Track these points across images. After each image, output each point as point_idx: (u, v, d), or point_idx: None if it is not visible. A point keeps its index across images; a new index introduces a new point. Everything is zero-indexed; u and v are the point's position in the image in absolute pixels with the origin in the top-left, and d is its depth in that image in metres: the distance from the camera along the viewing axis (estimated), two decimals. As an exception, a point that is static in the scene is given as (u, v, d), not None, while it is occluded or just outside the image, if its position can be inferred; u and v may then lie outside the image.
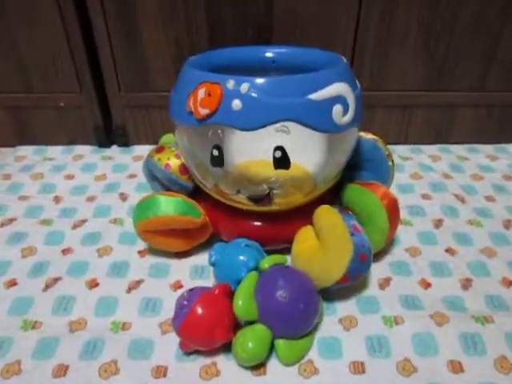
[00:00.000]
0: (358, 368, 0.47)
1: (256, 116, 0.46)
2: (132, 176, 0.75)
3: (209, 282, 0.56)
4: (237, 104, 0.46)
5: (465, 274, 0.57)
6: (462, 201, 0.70)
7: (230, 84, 0.46)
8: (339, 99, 0.48)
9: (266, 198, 0.53)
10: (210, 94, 0.46)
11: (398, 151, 0.81)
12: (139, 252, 0.60)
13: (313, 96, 0.47)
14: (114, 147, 0.83)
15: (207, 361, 0.47)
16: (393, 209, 0.56)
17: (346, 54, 0.72)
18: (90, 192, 0.71)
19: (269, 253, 0.57)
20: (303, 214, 0.56)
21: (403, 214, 0.67)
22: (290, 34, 0.70)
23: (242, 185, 0.51)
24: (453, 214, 0.67)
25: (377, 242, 0.56)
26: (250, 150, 0.49)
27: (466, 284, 0.56)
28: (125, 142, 0.81)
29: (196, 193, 0.61)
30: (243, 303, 0.47)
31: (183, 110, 0.49)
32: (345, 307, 0.53)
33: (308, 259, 0.52)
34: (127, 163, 0.78)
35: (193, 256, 0.60)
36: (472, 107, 0.79)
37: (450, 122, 0.81)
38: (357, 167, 0.62)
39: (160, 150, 0.61)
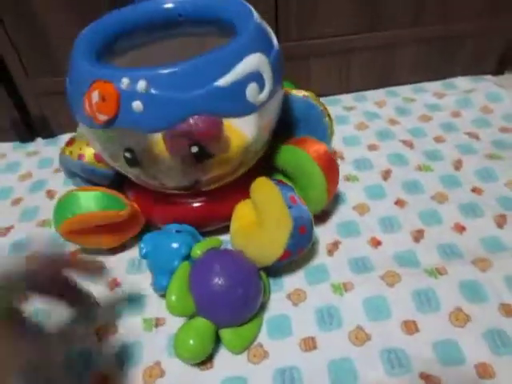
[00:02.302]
0: (309, 344, 0.44)
1: (161, 116, 0.41)
2: (59, 169, 0.68)
3: (147, 274, 0.52)
4: (138, 105, 0.40)
5: (416, 225, 0.54)
6: (411, 146, 0.66)
7: (124, 84, 0.40)
8: (253, 76, 0.42)
9: (194, 186, 0.49)
10: (104, 99, 0.40)
11: (342, 101, 0.76)
12: (71, 253, 0.56)
13: (221, 82, 0.40)
14: (39, 140, 0.76)
15: (149, 362, 0.44)
16: (327, 163, 0.51)
17: (269, 2, 0.65)
18: (14, 194, 0.65)
19: (208, 234, 0.54)
20: (241, 187, 0.52)
21: (349, 169, 0.63)
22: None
23: (166, 181, 0.48)
24: (401, 162, 0.63)
25: (318, 200, 0.52)
26: (165, 150, 0.43)
27: (418, 236, 0.53)
28: (49, 133, 0.75)
29: (121, 179, 0.56)
30: (177, 298, 0.43)
31: (82, 111, 0.43)
32: (292, 281, 0.50)
33: (246, 237, 0.48)
34: (54, 156, 0.71)
35: (128, 249, 0.55)
36: (412, 44, 0.73)
37: (392, 62, 0.75)
38: (292, 128, 0.57)
39: (70, 142, 0.56)
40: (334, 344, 0.44)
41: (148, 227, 0.56)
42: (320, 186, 0.51)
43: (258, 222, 0.47)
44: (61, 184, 0.65)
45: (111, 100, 0.40)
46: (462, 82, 0.78)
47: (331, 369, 0.42)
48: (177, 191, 0.51)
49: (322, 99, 0.76)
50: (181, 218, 0.54)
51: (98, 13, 0.51)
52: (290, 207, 0.45)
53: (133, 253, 0.55)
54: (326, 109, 0.58)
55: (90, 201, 0.49)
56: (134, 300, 0.50)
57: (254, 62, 0.42)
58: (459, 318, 0.45)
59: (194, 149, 0.42)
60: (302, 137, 0.54)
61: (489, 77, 0.79)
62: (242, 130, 0.44)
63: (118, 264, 0.54)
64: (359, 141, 0.68)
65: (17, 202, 0.64)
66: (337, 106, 0.75)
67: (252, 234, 0.48)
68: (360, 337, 0.44)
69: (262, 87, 0.43)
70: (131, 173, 0.49)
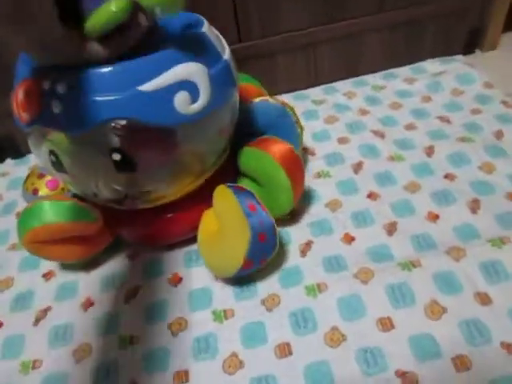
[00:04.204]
0: (285, 350, 0.44)
1: (79, 118, 0.40)
2: (29, 190, 0.67)
3: (121, 291, 0.51)
4: (56, 106, 0.39)
5: (389, 217, 0.54)
6: (382, 136, 0.65)
7: (46, 83, 0.39)
8: (184, 85, 0.40)
9: (127, 201, 0.48)
10: (28, 95, 0.40)
11: (311, 95, 0.75)
12: (44, 275, 0.55)
13: (144, 87, 0.39)
14: (8, 161, 0.75)
15: (125, 380, 0.44)
16: (291, 162, 0.50)
17: (227, 2, 0.64)
18: (-15, 218, 0.64)
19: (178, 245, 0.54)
20: (207, 195, 0.50)
21: (321, 165, 0.62)
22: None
23: (93, 189, 0.46)
24: (372, 154, 0.62)
25: (284, 202, 0.51)
26: (86, 155, 0.43)
27: (391, 229, 0.52)
28: (18, 153, 0.74)
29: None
30: None
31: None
32: (267, 286, 0.49)
33: (209, 248, 0.48)
34: (23, 176, 0.69)
35: (102, 265, 0.55)
36: (376, 31, 0.72)
37: (359, 51, 0.74)
38: (262, 133, 0.56)
39: (26, 178, 0.56)
40: (309, 348, 0.43)
41: (117, 242, 0.55)
42: (285, 187, 0.50)
43: (220, 231, 0.47)
44: (31, 205, 0.64)
45: (33, 98, 0.40)
46: (432, 65, 0.77)
47: (307, 374, 0.41)
48: (113, 204, 0.49)
49: (291, 95, 0.76)
50: (148, 232, 0.53)
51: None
52: (248, 215, 0.44)
53: (106, 269, 0.54)
54: (298, 120, 0.57)
55: (59, 211, 0.48)
56: (107, 318, 0.49)
57: (186, 70, 0.40)
58: (434, 310, 0.44)
59: (116, 156, 0.41)
60: (265, 137, 0.53)
61: (459, 57, 0.78)
62: (173, 142, 0.43)
63: (91, 282, 0.53)
64: (329, 135, 0.67)
65: (-13, 226, 0.63)
66: (306, 100, 0.74)
67: (214, 244, 0.48)
68: (335, 338, 0.44)
69: (195, 98, 0.41)
70: (64, 180, 0.49)
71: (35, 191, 0.53)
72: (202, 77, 0.41)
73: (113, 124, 0.39)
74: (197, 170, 0.49)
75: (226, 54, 0.46)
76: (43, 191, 0.53)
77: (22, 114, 0.41)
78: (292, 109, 0.57)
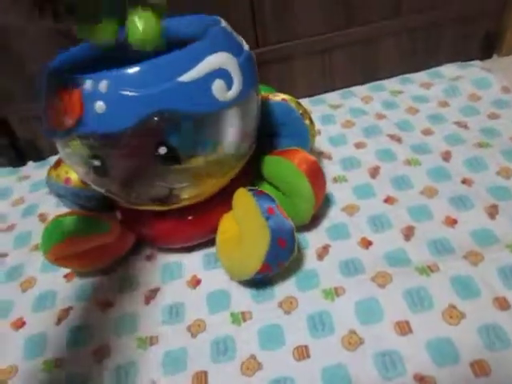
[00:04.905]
0: (303, 353, 0.44)
1: (123, 115, 0.40)
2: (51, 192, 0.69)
3: (139, 293, 0.52)
4: (100, 106, 0.40)
5: (406, 222, 0.54)
6: (398, 140, 0.65)
7: (88, 85, 0.40)
8: (219, 73, 0.42)
9: (170, 197, 0.48)
10: (68, 101, 0.40)
11: (328, 100, 0.75)
12: (65, 276, 0.56)
13: (184, 78, 0.40)
14: (30, 163, 0.76)
15: (144, 380, 0.44)
16: (314, 173, 0.51)
17: (244, 8, 0.65)
18: (8, 221, 0.66)
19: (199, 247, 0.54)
20: (228, 198, 0.51)
21: (337, 170, 0.62)
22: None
23: (138, 189, 0.47)
24: (389, 158, 0.62)
25: (305, 211, 0.52)
26: (132, 152, 0.43)
27: (408, 233, 0.52)
28: (39, 156, 0.75)
29: (109, 200, 0.56)
30: None
31: (49, 123, 0.44)
32: (284, 288, 0.50)
33: (228, 251, 0.49)
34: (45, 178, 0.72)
35: (121, 267, 0.55)
36: (393, 36, 0.72)
37: (375, 56, 0.74)
38: (272, 134, 0.57)
39: (57, 165, 0.56)
40: (326, 351, 0.44)
41: (137, 245, 0.56)
42: (307, 196, 0.50)
43: (239, 234, 0.48)
44: (53, 206, 0.66)
45: (75, 101, 0.40)
46: (449, 70, 0.76)
47: (325, 377, 0.42)
48: (155, 206, 0.50)
49: (308, 100, 0.76)
50: (170, 234, 0.54)
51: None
52: (267, 218, 0.45)
53: (125, 270, 0.55)
54: (306, 112, 0.57)
55: (72, 226, 0.49)
56: (127, 319, 0.50)
57: (219, 59, 0.42)
58: (453, 315, 0.44)
59: (162, 150, 0.42)
60: (288, 147, 0.54)
61: (476, 62, 0.78)
62: (212, 129, 0.44)
63: (111, 284, 0.54)
64: (346, 139, 0.67)
65: (10, 228, 0.64)
66: (323, 105, 0.74)
67: (233, 247, 0.48)
68: (353, 341, 0.44)
69: (229, 85, 0.43)
70: (104, 186, 0.49)
71: (67, 181, 0.54)
72: (232, 65, 0.43)
73: (156, 118, 0.40)
74: (223, 167, 0.49)
75: (246, 46, 0.48)
76: (76, 183, 0.54)
77: (62, 122, 0.41)
78: (295, 101, 0.57)
